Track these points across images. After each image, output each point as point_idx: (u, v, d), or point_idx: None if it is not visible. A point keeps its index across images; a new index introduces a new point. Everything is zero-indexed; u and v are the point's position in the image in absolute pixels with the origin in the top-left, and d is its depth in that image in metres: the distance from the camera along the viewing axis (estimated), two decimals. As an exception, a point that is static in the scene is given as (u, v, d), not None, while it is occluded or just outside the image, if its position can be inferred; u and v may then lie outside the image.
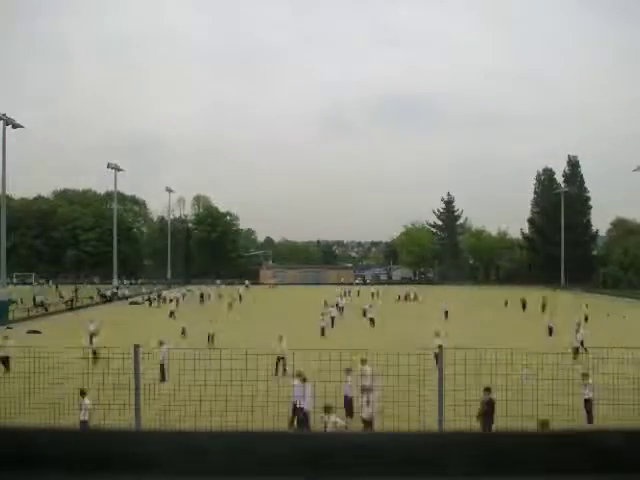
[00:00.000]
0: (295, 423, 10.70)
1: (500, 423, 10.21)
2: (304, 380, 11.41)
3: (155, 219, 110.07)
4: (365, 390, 10.97)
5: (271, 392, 11.33)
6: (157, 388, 11.99)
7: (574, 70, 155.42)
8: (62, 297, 48.51)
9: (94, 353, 19.55)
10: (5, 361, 17.50)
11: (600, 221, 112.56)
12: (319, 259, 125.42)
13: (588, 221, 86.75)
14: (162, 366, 15.51)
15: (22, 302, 43.15)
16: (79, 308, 45.39)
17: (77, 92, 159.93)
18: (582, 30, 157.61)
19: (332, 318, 33.23)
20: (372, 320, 33.98)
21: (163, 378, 15.06)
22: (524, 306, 44.80)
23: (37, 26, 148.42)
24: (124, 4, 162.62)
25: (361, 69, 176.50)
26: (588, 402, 11.65)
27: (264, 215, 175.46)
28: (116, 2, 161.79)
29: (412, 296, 59.81)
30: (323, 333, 28.79)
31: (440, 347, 10.39)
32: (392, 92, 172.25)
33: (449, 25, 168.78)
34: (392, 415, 10.43)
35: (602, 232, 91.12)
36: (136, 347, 10.55)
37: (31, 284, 79.59)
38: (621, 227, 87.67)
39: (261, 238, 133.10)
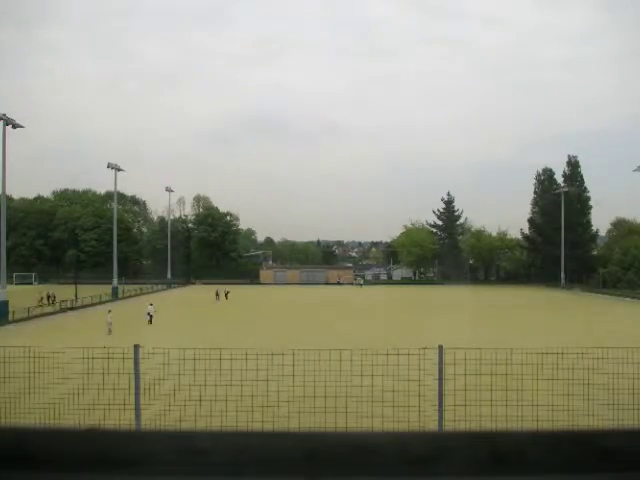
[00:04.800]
0: None
1: (500, 423, 10.21)
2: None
3: (155, 219, 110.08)
4: None
5: (271, 392, 11.33)
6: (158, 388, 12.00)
7: (574, 69, 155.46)
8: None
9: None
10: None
11: (600, 221, 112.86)
12: (319, 259, 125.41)
13: (588, 221, 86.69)
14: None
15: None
16: (79, 308, 45.38)
17: (77, 91, 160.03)
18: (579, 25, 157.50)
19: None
20: None
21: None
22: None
23: (37, 26, 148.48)
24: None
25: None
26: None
27: (264, 215, 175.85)
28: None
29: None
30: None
31: (440, 347, 10.39)
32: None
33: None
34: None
35: (602, 232, 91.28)
36: (136, 347, 10.56)
37: (31, 284, 79.61)
38: (621, 227, 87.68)
39: (261, 238, 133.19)
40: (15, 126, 41.36)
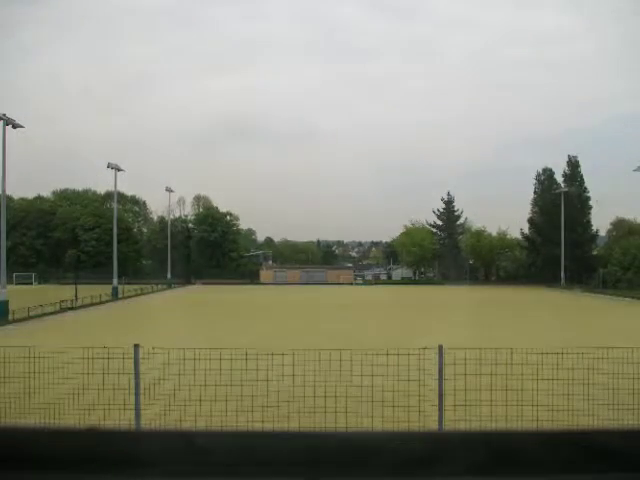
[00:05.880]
0: None
1: (500, 423, 10.21)
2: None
3: (155, 219, 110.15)
4: None
5: (271, 393, 11.33)
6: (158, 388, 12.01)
7: (574, 67, 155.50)
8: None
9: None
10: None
11: (600, 221, 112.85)
12: (319, 259, 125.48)
13: (588, 221, 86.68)
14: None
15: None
16: (79, 308, 45.38)
17: (76, 90, 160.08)
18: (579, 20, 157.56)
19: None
20: None
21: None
22: None
23: (38, 27, 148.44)
24: None
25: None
26: None
27: (264, 215, 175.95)
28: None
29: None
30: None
31: (440, 347, 10.40)
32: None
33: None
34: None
35: (602, 232, 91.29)
36: (136, 347, 10.57)
37: (31, 284, 79.69)
38: (621, 227, 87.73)
39: (261, 238, 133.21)
40: (15, 126, 41.32)
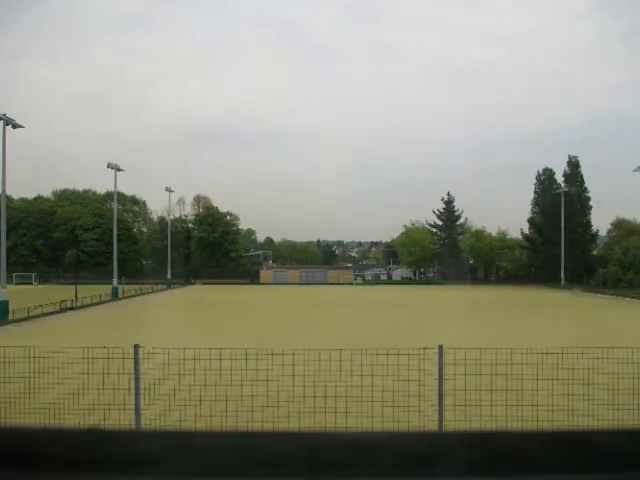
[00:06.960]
0: None
1: (500, 424, 10.20)
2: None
3: (155, 219, 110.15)
4: None
5: (271, 393, 11.33)
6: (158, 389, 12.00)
7: (574, 67, 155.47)
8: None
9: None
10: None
11: (600, 221, 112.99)
12: (319, 259, 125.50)
13: (588, 221, 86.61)
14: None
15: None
16: (79, 308, 45.38)
17: (76, 91, 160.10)
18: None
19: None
20: None
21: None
22: None
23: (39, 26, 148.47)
24: None
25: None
26: None
27: (264, 215, 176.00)
28: None
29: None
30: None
31: (440, 347, 10.40)
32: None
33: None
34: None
35: (602, 232, 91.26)
36: (136, 347, 10.58)
37: (31, 284, 79.71)
38: (621, 227, 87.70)
39: (261, 238, 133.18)
40: (15, 126, 41.29)
